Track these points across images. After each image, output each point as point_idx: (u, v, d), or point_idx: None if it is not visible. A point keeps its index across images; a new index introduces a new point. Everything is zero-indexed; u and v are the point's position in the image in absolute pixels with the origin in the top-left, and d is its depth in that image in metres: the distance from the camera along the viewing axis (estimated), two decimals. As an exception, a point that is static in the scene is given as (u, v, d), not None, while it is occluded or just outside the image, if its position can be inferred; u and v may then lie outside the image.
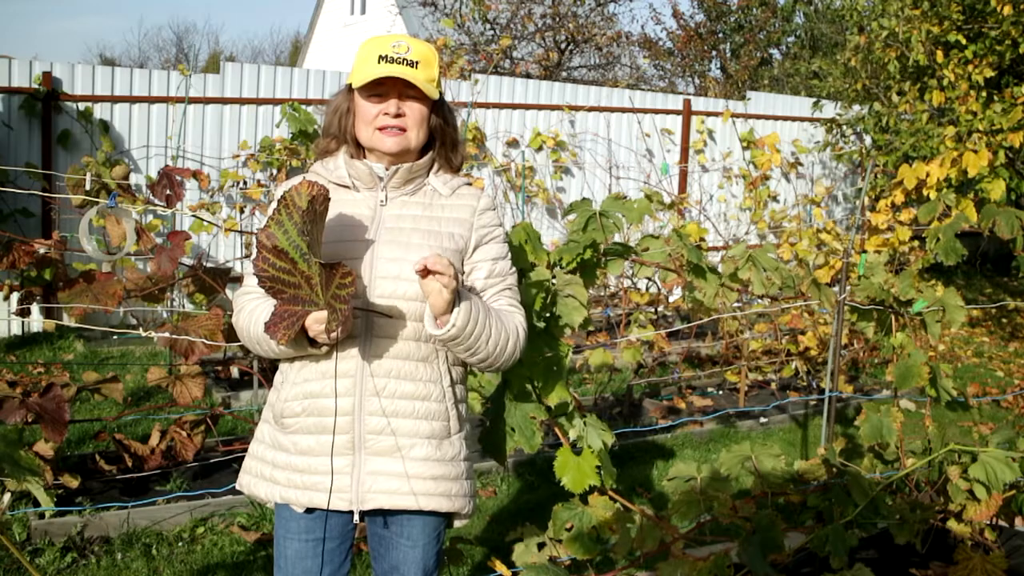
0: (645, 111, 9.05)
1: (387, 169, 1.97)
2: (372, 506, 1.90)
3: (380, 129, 1.93)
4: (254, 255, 1.81)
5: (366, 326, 1.89)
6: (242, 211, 7.16)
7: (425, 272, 1.76)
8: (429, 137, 1.99)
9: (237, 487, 2.06)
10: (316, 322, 1.79)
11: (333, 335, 1.79)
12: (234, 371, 5.62)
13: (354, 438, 1.90)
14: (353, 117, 1.97)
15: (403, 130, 1.93)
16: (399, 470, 1.91)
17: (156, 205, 3.91)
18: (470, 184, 2.06)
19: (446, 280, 1.76)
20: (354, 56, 1.98)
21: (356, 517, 1.93)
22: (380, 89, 1.91)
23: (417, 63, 1.91)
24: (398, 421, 1.90)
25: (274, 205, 1.95)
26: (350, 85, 1.96)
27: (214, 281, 3.79)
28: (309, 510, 1.95)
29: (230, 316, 3.66)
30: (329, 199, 1.80)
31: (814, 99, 9.46)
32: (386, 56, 1.89)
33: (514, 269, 2.06)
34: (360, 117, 1.95)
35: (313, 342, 1.85)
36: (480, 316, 1.86)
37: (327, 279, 1.76)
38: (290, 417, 1.93)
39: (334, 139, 2.01)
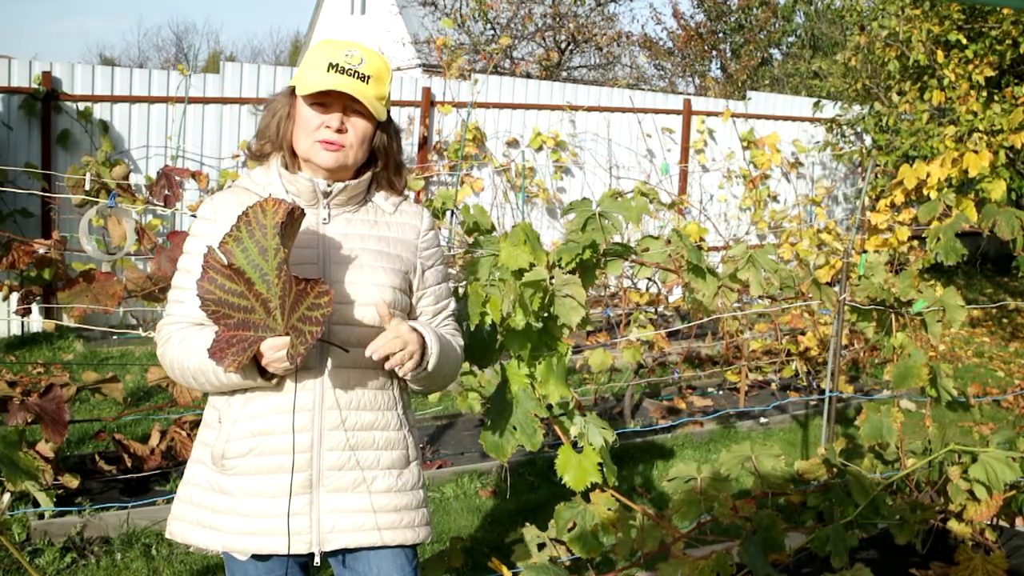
0: (645, 111, 9.05)
1: (328, 184, 1.84)
2: (335, 546, 1.79)
3: (319, 142, 1.79)
4: (189, 279, 1.68)
5: (322, 355, 1.78)
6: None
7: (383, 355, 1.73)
8: (371, 156, 1.88)
9: (167, 536, 1.89)
10: (272, 349, 1.65)
11: (294, 362, 1.65)
12: (234, 371, 5.61)
13: (312, 476, 1.78)
14: (292, 123, 1.83)
15: (342, 146, 1.80)
16: (361, 505, 1.81)
17: (155, 205, 3.92)
18: (407, 199, 1.98)
19: (405, 356, 1.73)
20: (303, 56, 1.85)
21: (317, 559, 1.80)
22: (325, 99, 1.78)
23: (368, 77, 1.77)
24: (359, 453, 1.81)
25: (200, 222, 1.82)
26: (293, 88, 1.83)
27: (214, 281, 3.78)
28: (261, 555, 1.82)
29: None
30: (305, 212, 1.70)
31: (814, 99, 9.45)
32: (336, 65, 1.75)
33: (450, 289, 2.02)
34: (300, 125, 1.81)
35: (263, 372, 1.72)
36: (444, 353, 1.85)
37: (298, 297, 1.62)
38: (234, 458, 1.78)
39: (269, 142, 1.86)
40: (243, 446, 1.78)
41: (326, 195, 1.84)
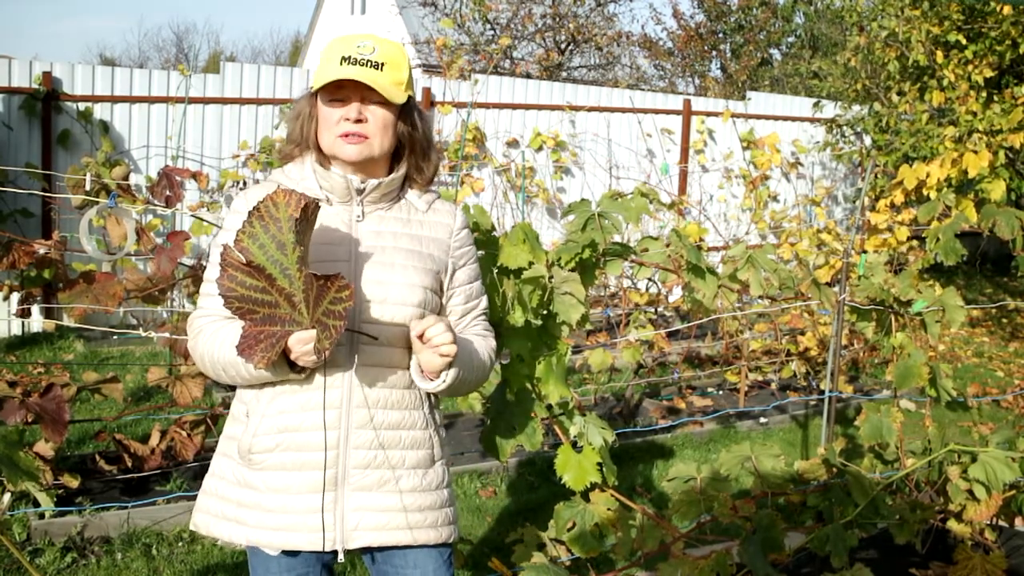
0: (645, 111, 9.05)
1: (362, 181, 1.85)
2: (358, 545, 1.81)
3: (341, 136, 1.80)
4: (218, 273, 1.67)
5: (351, 354, 1.78)
6: (242, 211, 7.15)
7: (421, 336, 1.71)
8: (398, 144, 1.87)
9: (191, 528, 1.90)
10: (300, 343, 1.65)
11: (323, 355, 1.65)
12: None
13: (337, 473, 1.79)
14: (316, 123, 1.85)
15: (365, 137, 1.80)
16: (385, 504, 1.81)
17: (156, 205, 3.92)
18: (440, 196, 1.98)
19: (445, 349, 1.71)
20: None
21: (341, 556, 1.81)
22: (341, 93, 1.79)
23: (383, 65, 1.78)
24: (385, 453, 1.81)
25: (233, 216, 1.80)
26: (313, 89, 1.84)
27: (214, 281, 3.78)
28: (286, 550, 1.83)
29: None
30: (320, 206, 1.69)
31: (814, 99, 9.46)
32: (349, 57, 1.77)
33: (483, 287, 2.02)
34: (322, 123, 1.83)
35: (293, 365, 1.72)
36: (467, 364, 1.83)
37: (319, 293, 1.61)
38: (260, 453, 1.79)
39: (296, 146, 1.88)
40: (270, 441, 1.79)
41: (359, 192, 1.85)
